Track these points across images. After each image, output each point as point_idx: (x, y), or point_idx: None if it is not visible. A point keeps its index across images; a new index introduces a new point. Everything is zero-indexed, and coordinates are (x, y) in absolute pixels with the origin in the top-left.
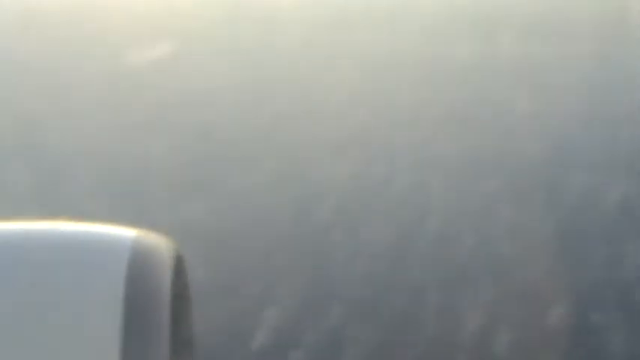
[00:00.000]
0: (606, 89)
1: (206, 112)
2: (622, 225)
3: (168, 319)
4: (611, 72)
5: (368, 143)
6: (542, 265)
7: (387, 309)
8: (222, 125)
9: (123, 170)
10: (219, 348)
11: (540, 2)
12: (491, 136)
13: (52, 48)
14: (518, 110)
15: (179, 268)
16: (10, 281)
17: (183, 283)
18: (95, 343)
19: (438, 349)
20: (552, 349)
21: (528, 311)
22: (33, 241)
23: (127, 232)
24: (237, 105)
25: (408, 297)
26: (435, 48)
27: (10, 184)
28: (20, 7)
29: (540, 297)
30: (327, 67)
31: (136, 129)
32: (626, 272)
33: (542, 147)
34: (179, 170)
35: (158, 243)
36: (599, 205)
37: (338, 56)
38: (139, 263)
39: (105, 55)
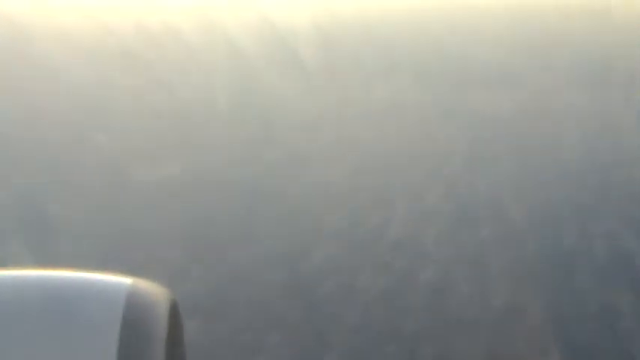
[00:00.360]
0: (602, 135)
1: (196, 161)
2: (619, 274)
3: None
4: (609, 119)
5: (362, 191)
6: (538, 315)
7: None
8: (215, 173)
9: (120, 221)
10: None
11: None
12: (486, 185)
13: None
14: (514, 158)
15: (175, 316)
16: (1, 330)
17: (178, 331)
18: None
19: None
20: None
21: None
22: (26, 289)
23: (122, 281)
24: (231, 152)
25: (403, 347)
26: (431, 96)
27: (4, 233)
28: None
29: (536, 348)
30: (320, 114)
31: (137, 183)
32: (623, 323)
33: (537, 194)
34: (171, 220)
35: (154, 291)
36: (595, 253)
37: (331, 104)
38: (134, 312)
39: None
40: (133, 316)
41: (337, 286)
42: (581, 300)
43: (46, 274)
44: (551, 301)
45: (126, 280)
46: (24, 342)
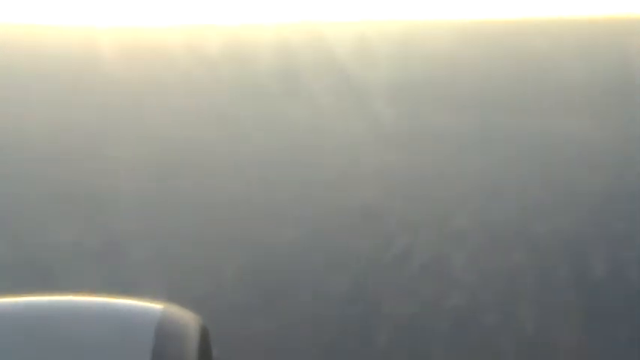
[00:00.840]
0: (627, 163)
1: (224, 185)
2: None
3: None
4: (626, 145)
5: (389, 216)
6: (566, 340)
7: None
8: (242, 197)
9: (152, 247)
10: None
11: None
12: (514, 210)
13: None
14: (543, 184)
15: (205, 341)
16: (40, 353)
17: (208, 356)
18: None
19: None
20: None
21: None
22: (62, 314)
23: (154, 306)
24: (259, 177)
25: None
26: (456, 119)
27: (39, 258)
28: None
29: None
30: (347, 139)
31: (162, 206)
32: None
33: (565, 220)
34: (199, 243)
35: (184, 317)
36: (623, 279)
37: (358, 128)
38: (165, 337)
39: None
40: (164, 343)
41: (363, 310)
42: (611, 327)
43: (77, 300)
44: (579, 326)
45: (157, 306)
46: None
